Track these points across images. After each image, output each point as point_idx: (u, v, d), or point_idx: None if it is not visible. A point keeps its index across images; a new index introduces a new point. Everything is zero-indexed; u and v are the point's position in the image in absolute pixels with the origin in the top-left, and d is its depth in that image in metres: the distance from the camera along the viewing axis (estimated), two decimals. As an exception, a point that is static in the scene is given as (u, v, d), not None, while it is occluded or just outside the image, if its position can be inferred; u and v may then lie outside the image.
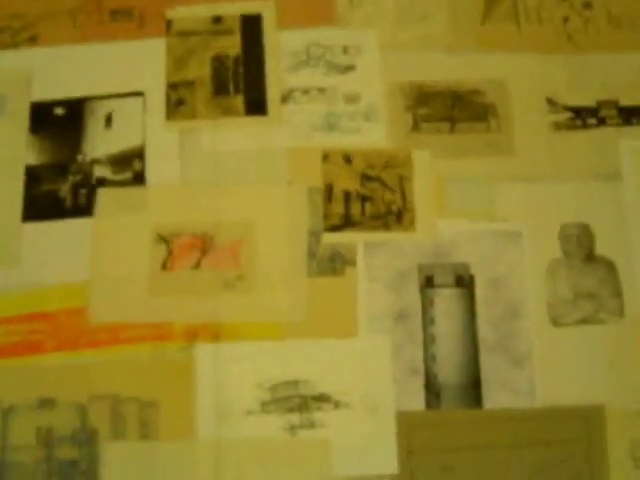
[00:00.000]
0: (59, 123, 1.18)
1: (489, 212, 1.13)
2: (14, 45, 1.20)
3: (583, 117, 1.18)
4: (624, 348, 1.10)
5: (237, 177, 1.15)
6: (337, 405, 1.07)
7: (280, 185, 1.14)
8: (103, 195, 1.15)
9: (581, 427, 1.07)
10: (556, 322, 1.10)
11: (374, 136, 1.16)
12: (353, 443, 1.06)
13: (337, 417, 1.07)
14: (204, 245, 1.12)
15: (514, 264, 1.12)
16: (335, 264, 1.11)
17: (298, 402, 1.07)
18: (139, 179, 1.15)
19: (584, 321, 1.11)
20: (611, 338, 1.10)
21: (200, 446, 1.06)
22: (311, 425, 1.07)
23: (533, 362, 1.09)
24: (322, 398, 1.07)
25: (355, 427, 1.07)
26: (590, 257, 1.13)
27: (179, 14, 1.20)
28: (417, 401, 1.08)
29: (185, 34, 1.20)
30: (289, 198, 1.14)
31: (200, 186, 1.15)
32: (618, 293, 1.11)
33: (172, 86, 1.18)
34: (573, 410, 1.08)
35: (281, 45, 1.19)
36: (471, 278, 1.11)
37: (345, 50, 1.19)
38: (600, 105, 1.18)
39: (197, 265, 1.12)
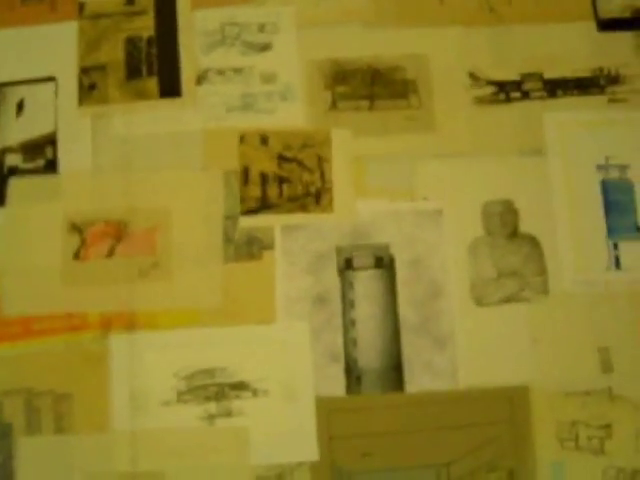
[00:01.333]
0: (-30, 112, 1.14)
1: (410, 191, 1.10)
2: None
3: (506, 91, 1.14)
4: (548, 326, 1.07)
5: (151, 162, 1.11)
6: (255, 393, 1.04)
7: (195, 169, 1.11)
8: (14, 184, 1.11)
9: (506, 409, 1.05)
10: (479, 301, 1.08)
11: (291, 116, 1.13)
12: (272, 431, 1.04)
13: (255, 405, 1.04)
14: (118, 233, 1.09)
15: (435, 243, 1.09)
16: (252, 248, 1.08)
17: (215, 391, 1.04)
18: (51, 167, 1.12)
19: (508, 300, 1.08)
20: (535, 317, 1.08)
21: (116, 438, 1.04)
22: (229, 414, 1.04)
23: (456, 343, 1.06)
24: (240, 386, 1.05)
25: (274, 415, 1.04)
26: (514, 235, 1.10)
27: (91, -4, 1.17)
28: (337, 386, 1.05)
29: (97, 16, 1.16)
30: (204, 182, 1.10)
31: (113, 172, 1.11)
32: (542, 270, 1.09)
33: (84, 70, 1.15)
34: (497, 391, 1.05)
35: (196, 25, 1.16)
36: (391, 259, 1.08)
37: (261, 28, 1.16)
38: (524, 78, 1.15)
39: (111, 253, 1.09)
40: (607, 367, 1.06)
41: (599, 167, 1.12)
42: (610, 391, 1.06)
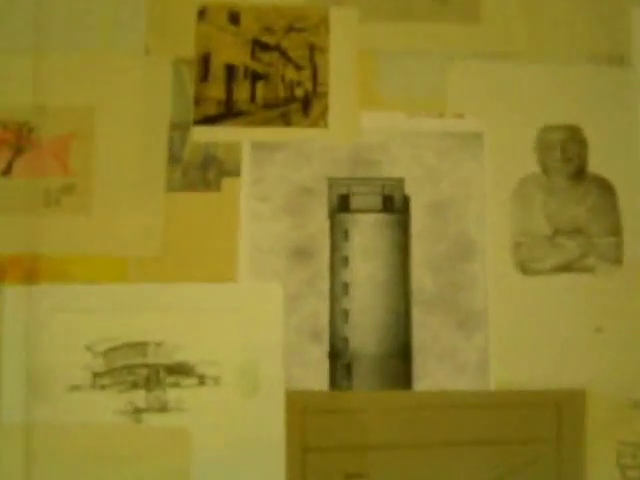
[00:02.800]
0: None
1: (437, 103, 0.80)
2: None
3: (581, -31, 0.82)
4: (619, 309, 0.78)
5: (68, 41, 0.79)
6: (202, 380, 0.76)
7: (133, 54, 0.79)
8: None
9: (552, 421, 0.77)
10: (525, 268, 0.78)
11: (276, -15, 0.80)
12: (223, 436, 0.75)
13: (202, 397, 0.76)
14: (19, 140, 0.78)
15: (469, 181, 0.79)
16: (208, 173, 0.78)
17: (145, 374, 0.76)
18: None
19: (565, 268, 0.78)
20: (601, 294, 0.78)
21: (4, 435, 0.75)
22: (163, 408, 0.76)
23: (489, 325, 0.77)
24: (181, 369, 0.76)
25: (227, 412, 0.76)
26: (579, 175, 0.80)
27: None
28: (318, 377, 0.77)
29: None
30: (145, 74, 0.79)
31: (15, 54, 0.79)
32: (616, 229, 0.79)
33: None
34: (542, 396, 0.77)
35: None
36: (405, 200, 0.78)
37: None
38: (606, -50, 0.82)
39: (7, 170, 0.79)
40: (695, 369, 0.77)
41: None
42: (696, 403, 0.77)
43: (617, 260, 0.78)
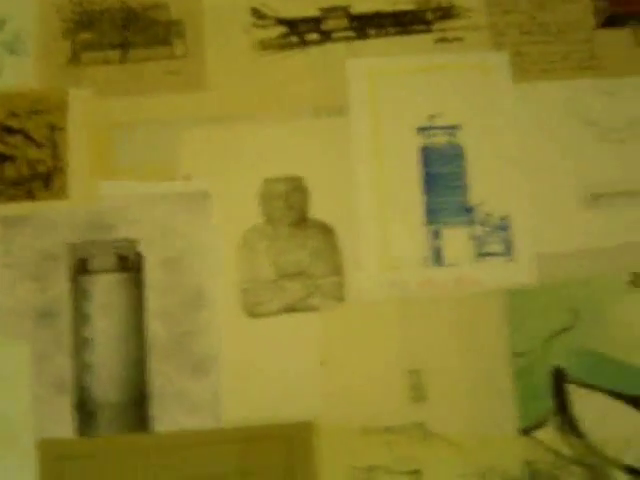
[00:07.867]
0: None
1: (169, 168, 0.86)
2: None
3: (301, 32, 0.88)
4: (342, 343, 0.83)
5: None
6: None
7: None
8: None
9: (282, 452, 0.81)
10: (252, 312, 0.84)
11: (20, 74, 0.88)
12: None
13: None
14: None
15: (198, 237, 0.85)
16: None
17: None
18: None
19: (290, 309, 0.84)
20: (325, 330, 0.83)
21: None
22: None
23: (220, 367, 0.83)
24: None
25: None
26: (301, 222, 0.85)
27: None
28: (65, 425, 0.82)
29: None
30: None
31: None
32: (337, 269, 0.84)
33: None
34: (272, 430, 0.81)
35: None
36: (139, 258, 0.84)
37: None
38: (325, 14, 0.88)
39: None
40: (419, 395, 0.81)
41: (420, 130, 0.86)
42: (422, 427, 0.81)
43: (340, 298, 0.83)
